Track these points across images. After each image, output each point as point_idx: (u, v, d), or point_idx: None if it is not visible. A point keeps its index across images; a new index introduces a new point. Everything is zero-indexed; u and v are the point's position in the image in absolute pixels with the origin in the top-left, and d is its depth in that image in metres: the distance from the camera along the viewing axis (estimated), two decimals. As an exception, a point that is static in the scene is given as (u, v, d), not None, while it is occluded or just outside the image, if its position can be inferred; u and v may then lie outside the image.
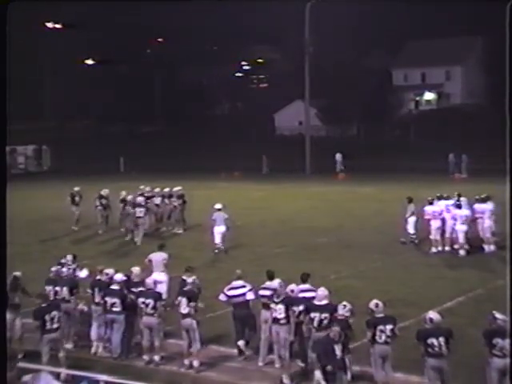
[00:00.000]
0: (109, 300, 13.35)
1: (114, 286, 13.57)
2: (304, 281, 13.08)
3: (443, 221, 21.85)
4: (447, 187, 33.39)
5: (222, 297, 13.39)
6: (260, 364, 12.79)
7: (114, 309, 13.33)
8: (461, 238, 21.39)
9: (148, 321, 13.01)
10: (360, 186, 41.88)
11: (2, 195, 9.26)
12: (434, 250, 21.76)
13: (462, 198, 22.49)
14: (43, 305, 12.72)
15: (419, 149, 60.15)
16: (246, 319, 13.13)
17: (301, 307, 12.22)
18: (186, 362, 12.79)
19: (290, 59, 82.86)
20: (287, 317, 12.13)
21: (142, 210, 24.94)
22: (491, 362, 10.50)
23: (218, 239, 22.55)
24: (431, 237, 21.90)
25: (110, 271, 14.12)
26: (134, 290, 13.66)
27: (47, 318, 12.52)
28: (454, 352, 10.82)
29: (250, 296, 13.13)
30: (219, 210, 22.86)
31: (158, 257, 16.44)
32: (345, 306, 11.70)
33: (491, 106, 63.99)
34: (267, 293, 12.88)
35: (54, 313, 12.59)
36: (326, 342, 10.87)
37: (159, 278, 15.53)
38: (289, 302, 12.26)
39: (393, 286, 17.89)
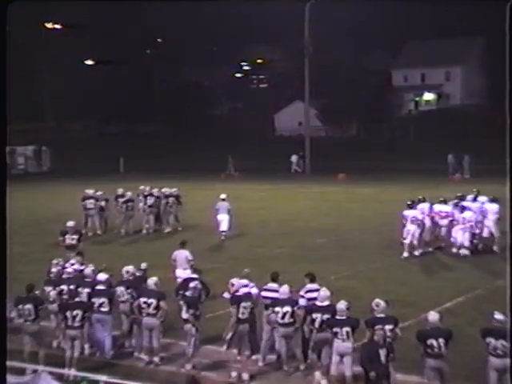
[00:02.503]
0: (96, 300, 13.31)
1: (100, 286, 13.57)
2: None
3: (422, 225, 21.43)
4: (447, 188, 33.45)
5: (225, 295, 13.41)
6: (260, 364, 12.81)
7: (103, 309, 13.30)
8: (464, 240, 21.08)
9: (149, 321, 12.99)
10: (360, 186, 41.89)
11: (2, 195, 9.26)
12: (405, 254, 21.18)
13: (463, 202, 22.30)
14: (70, 301, 13.03)
15: (419, 149, 60.17)
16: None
17: (243, 303, 12.38)
18: (188, 366, 12.77)
19: (289, 59, 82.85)
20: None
21: (131, 204, 26.47)
22: (488, 360, 10.57)
23: (222, 227, 24.60)
24: (405, 241, 21.26)
25: (88, 270, 14.24)
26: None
27: (68, 314, 12.76)
28: (453, 352, 10.84)
29: (254, 291, 13.13)
30: (223, 199, 24.90)
31: (182, 254, 16.81)
32: (348, 304, 11.67)
33: (491, 107, 64.04)
34: (270, 294, 12.92)
35: (77, 311, 12.73)
36: (370, 346, 10.63)
37: (183, 275, 15.80)
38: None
39: (392, 286, 17.89)
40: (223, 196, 25.14)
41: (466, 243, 21.14)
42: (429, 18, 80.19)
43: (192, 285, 13.12)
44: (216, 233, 24.99)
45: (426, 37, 79.14)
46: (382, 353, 10.45)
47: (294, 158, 55.71)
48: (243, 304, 12.38)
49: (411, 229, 21.19)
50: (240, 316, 12.35)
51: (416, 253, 21.38)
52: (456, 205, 22.15)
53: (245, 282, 13.32)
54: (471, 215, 21.32)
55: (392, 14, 78.11)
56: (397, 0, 70.94)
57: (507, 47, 9.02)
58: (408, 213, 21.42)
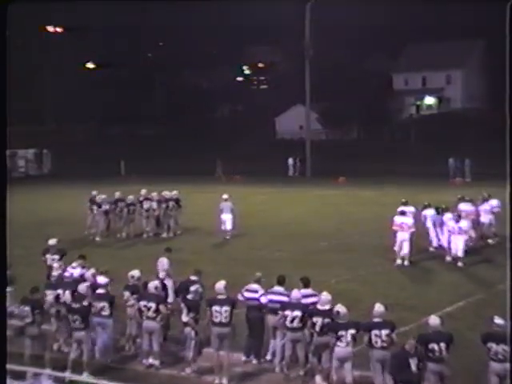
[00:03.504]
0: (96, 304, 13.29)
1: (101, 290, 13.56)
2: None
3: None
4: (447, 191, 33.45)
5: (239, 296, 13.34)
6: (286, 371, 12.63)
7: (103, 313, 13.29)
8: (459, 251, 20.45)
9: (149, 325, 12.97)
10: (360, 189, 41.90)
11: (2, 198, 9.26)
12: (399, 261, 20.83)
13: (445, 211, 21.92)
14: (73, 305, 13.01)
15: (420, 153, 60.16)
16: (255, 323, 13.15)
17: (215, 307, 12.37)
18: (188, 370, 12.77)
19: (290, 62, 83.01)
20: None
21: (133, 208, 26.54)
22: (489, 365, 10.55)
23: (227, 226, 25.62)
24: (395, 248, 20.95)
25: (88, 274, 14.26)
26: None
27: (70, 317, 12.83)
28: (453, 356, 10.81)
29: (264, 300, 13.11)
30: (226, 200, 25.90)
31: (161, 262, 16.22)
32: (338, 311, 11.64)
33: (492, 110, 64.01)
34: (275, 297, 12.92)
35: (76, 316, 12.77)
36: (401, 355, 10.45)
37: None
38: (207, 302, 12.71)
39: (393, 290, 17.87)
40: (226, 196, 26.15)
41: (460, 253, 20.45)
42: (429, 21, 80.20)
43: (193, 288, 13.05)
44: (219, 232, 25.69)
45: (426, 40, 79.19)
46: (413, 362, 10.27)
47: (290, 161, 55.82)
48: (215, 308, 12.34)
49: (401, 236, 20.79)
50: (213, 319, 12.32)
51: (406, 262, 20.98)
52: (442, 210, 21.89)
53: (255, 287, 13.29)
54: (466, 224, 20.80)
55: (392, 17, 78.16)
56: (397, 3, 71.09)
57: (507, 48, 8.92)
58: (398, 219, 21.08)
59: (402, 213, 21.38)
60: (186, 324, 12.74)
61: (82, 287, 13.51)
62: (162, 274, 14.65)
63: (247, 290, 13.32)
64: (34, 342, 12.95)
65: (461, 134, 62.30)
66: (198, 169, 56.25)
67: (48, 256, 17.50)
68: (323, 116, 73.50)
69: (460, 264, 20.37)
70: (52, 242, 17.92)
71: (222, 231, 25.77)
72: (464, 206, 22.89)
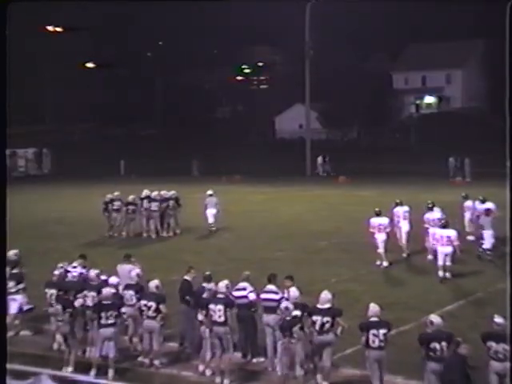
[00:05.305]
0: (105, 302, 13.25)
1: (111, 289, 13.45)
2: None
3: (388, 234, 20.63)
4: (447, 191, 33.45)
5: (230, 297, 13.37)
6: (279, 370, 12.66)
7: None
8: (447, 261, 18.87)
9: (149, 324, 12.97)
10: (360, 189, 41.86)
11: (2, 198, 9.26)
12: (378, 262, 20.55)
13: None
14: (105, 302, 12.90)
15: (420, 152, 60.16)
16: (246, 321, 13.13)
17: (212, 306, 12.37)
18: (201, 368, 12.75)
19: (290, 62, 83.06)
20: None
21: (132, 207, 26.58)
22: (489, 364, 10.54)
23: (210, 220, 26.80)
24: (379, 250, 20.54)
25: (92, 274, 14.20)
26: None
27: (103, 314, 12.77)
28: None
29: (252, 297, 13.09)
30: (211, 195, 27.05)
31: (124, 270, 15.31)
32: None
33: (492, 110, 64.06)
34: (268, 296, 12.91)
35: (110, 312, 12.74)
36: (457, 360, 10.16)
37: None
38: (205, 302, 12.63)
39: (393, 289, 17.89)
40: (210, 192, 27.24)
41: (440, 263, 19.01)
42: (429, 21, 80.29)
43: (208, 287, 13.01)
44: (205, 226, 26.84)
45: (426, 40, 79.26)
46: (466, 364, 10.13)
47: (319, 160, 54.98)
48: (211, 306, 12.34)
49: (380, 238, 20.52)
50: (211, 318, 12.31)
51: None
52: (428, 209, 21.47)
53: (243, 285, 13.28)
54: (454, 234, 18.97)
55: (392, 17, 78.23)
56: (397, 3, 71.11)
57: (507, 46, 8.89)
58: (375, 220, 20.80)
59: (378, 214, 21.08)
60: (201, 322, 12.71)
61: (107, 292, 13.16)
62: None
63: (236, 290, 13.28)
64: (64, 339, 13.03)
65: (461, 134, 62.31)
66: (199, 169, 56.24)
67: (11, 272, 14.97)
68: (323, 115, 73.50)
69: (448, 275, 18.81)
70: (13, 254, 15.37)
71: (207, 225, 26.78)
72: (487, 205, 22.20)
